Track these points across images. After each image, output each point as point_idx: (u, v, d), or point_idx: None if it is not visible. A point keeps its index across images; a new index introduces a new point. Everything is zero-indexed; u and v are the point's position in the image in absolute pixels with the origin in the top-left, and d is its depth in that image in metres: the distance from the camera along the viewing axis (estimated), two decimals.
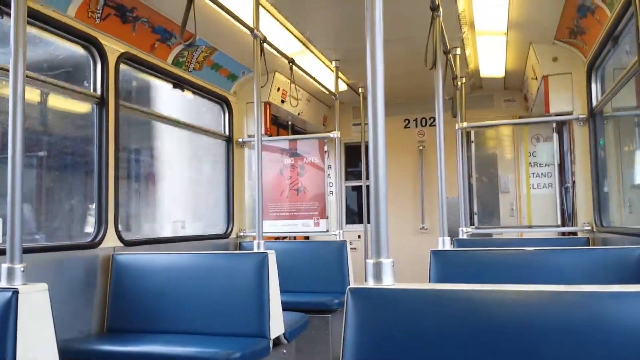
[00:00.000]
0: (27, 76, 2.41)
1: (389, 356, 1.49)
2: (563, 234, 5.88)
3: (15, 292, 2.17)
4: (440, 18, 3.89)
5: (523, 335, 1.41)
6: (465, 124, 5.63)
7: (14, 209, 2.29)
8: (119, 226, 4.00)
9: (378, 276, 1.59)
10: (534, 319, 1.42)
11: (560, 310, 1.42)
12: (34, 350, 2.22)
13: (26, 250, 2.37)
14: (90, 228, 3.92)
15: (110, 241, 3.90)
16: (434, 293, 1.59)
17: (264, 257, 3.56)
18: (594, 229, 4.91)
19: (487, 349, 1.43)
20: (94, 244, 3.78)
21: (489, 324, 1.45)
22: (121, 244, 3.99)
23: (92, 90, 3.91)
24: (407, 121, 7.81)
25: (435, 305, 1.53)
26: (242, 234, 5.84)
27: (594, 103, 4.88)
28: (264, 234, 4.00)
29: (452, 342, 1.46)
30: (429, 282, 3.17)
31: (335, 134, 6.04)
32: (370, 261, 1.61)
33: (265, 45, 4.34)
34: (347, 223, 7.61)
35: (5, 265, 2.26)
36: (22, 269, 2.26)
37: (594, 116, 4.91)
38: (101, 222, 3.86)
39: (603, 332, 1.35)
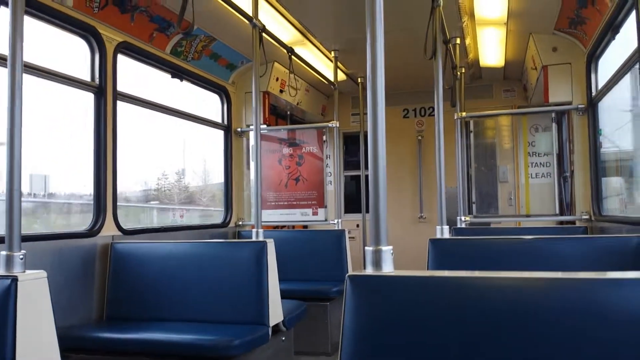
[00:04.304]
0: (25, 65, 2.41)
1: (388, 343, 1.50)
2: (561, 223, 5.90)
3: (15, 280, 2.18)
4: (440, 7, 3.88)
5: (521, 322, 1.41)
6: (464, 114, 5.62)
7: (12, 197, 2.29)
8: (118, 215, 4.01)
9: (377, 264, 1.59)
10: (532, 306, 1.43)
11: (558, 297, 1.42)
12: (33, 338, 2.23)
13: (25, 238, 2.38)
14: None
15: (109, 230, 3.91)
16: (432, 280, 1.60)
17: (262, 246, 3.57)
18: (592, 218, 4.92)
19: (485, 335, 1.43)
20: (92, 233, 3.79)
21: (487, 311, 1.46)
22: (120, 233, 4.00)
23: (90, 80, 3.90)
24: (406, 111, 7.79)
25: (434, 293, 1.54)
26: (240, 223, 5.85)
27: (594, 93, 4.88)
28: (262, 223, 4.01)
29: (450, 328, 1.47)
30: (427, 270, 3.18)
31: (334, 124, 6.03)
32: (369, 249, 1.61)
33: (264, 34, 4.32)
34: (345, 212, 7.62)
35: (4, 253, 2.26)
36: (21, 256, 2.27)
37: (593, 106, 4.91)
38: (99, 210, 3.86)
39: (601, 319, 1.36)
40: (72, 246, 3.62)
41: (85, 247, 3.71)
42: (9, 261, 2.26)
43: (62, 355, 2.35)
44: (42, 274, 2.31)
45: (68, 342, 3.11)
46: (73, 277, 3.59)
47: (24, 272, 2.26)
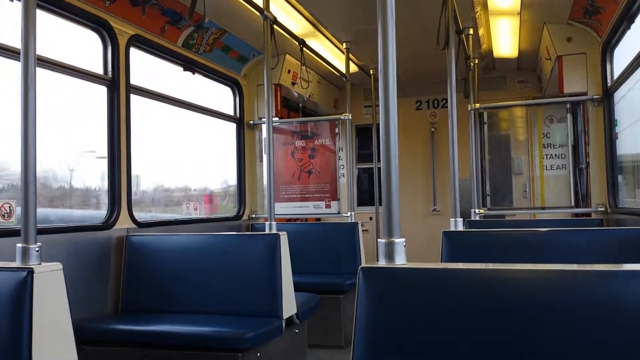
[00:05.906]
0: (38, 59, 2.42)
1: (401, 334, 1.50)
2: (576, 215, 5.84)
3: (30, 272, 2.20)
4: None
5: (534, 314, 1.40)
6: (478, 105, 5.58)
7: (28, 190, 2.31)
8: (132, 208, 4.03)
9: (390, 256, 1.59)
10: (546, 298, 1.41)
11: (573, 289, 1.41)
12: (49, 330, 2.25)
13: (40, 231, 2.39)
14: None
15: (124, 222, 3.94)
16: (445, 272, 1.59)
17: (275, 238, 3.57)
18: (608, 210, 4.87)
19: (498, 327, 1.43)
20: (107, 225, 3.82)
21: (500, 302, 1.45)
22: (134, 226, 4.03)
23: (103, 73, 3.92)
24: (418, 103, 7.75)
25: (447, 285, 1.53)
26: (253, 215, 5.87)
27: (609, 83, 4.81)
28: (275, 216, 4.01)
29: (463, 320, 1.46)
30: (441, 262, 3.17)
31: (346, 116, 6.01)
32: (382, 241, 1.60)
33: (275, 26, 4.31)
34: (358, 205, 7.60)
35: (20, 245, 2.28)
36: (36, 249, 2.28)
37: (608, 97, 4.85)
38: (114, 203, 3.89)
39: (616, 311, 1.35)
40: (88, 239, 3.65)
41: (100, 240, 3.74)
42: (25, 253, 2.27)
43: (77, 347, 2.37)
44: (58, 266, 2.32)
45: (83, 334, 3.14)
46: (88, 269, 3.62)
47: (40, 264, 2.28)
